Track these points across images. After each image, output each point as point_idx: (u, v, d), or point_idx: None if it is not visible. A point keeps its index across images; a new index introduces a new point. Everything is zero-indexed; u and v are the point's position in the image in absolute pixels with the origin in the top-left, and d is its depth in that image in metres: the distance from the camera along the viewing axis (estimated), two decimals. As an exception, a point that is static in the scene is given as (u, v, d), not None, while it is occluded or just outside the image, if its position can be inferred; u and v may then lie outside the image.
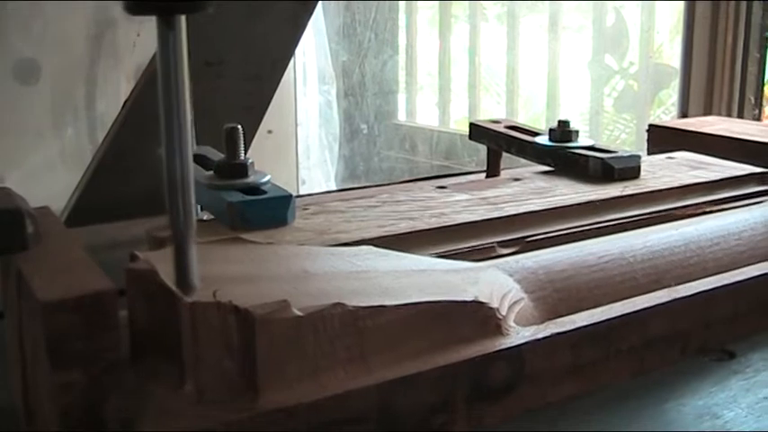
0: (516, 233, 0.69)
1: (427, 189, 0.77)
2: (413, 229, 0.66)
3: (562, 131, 0.85)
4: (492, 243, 0.67)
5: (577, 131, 0.86)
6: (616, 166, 0.80)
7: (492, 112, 2.21)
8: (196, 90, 0.94)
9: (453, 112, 2.39)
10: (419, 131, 2.29)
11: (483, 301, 0.50)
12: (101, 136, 1.77)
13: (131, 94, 0.97)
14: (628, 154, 0.82)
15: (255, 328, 0.42)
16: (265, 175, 0.70)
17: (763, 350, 0.59)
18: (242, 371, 0.43)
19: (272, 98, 1.01)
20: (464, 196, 0.75)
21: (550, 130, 0.87)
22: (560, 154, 0.84)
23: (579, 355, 0.52)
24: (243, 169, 0.69)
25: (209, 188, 0.67)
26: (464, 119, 2.38)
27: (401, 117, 2.45)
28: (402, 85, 2.43)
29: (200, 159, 0.74)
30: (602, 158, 0.80)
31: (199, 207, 0.77)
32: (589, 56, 2.08)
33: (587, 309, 0.55)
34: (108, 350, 0.38)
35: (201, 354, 0.44)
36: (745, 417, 0.51)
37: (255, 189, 0.68)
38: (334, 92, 2.30)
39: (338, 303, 0.45)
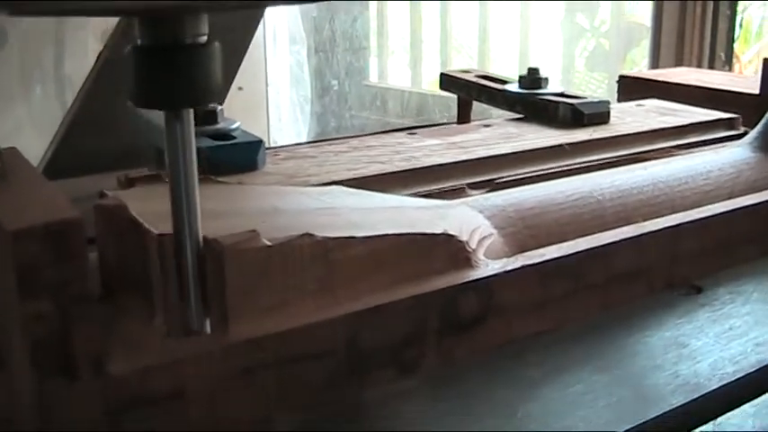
0: (485, 175, 0.69)
1: (398, 136, 0.78)
2: (382, 172, 0.66)
3: (532, 79, 0.86)
4: (462, 185, 0.67)
5: (547, 79, 0.86)
6: (586, 112, 0.80)
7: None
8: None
9: (425, 74, 2.38)
10: (390, 91, 2.28)
11: (452, 233, 0.50)
12: (69, 97, 1.75)
13: (104, 48, 0.95)
14: (597, 100, 0.83)
15: (224, 258, 0.42)
16: (235, 121, 0.70)
17: (730, 284, 0.60)
18: (208, 303, 0.43)
19: (246, 50, 1.01)
20: (434, 141, 0.75)
21: (520, 77, 0.87)
22: (530, 101, 0.85)
23: (547, 289, 0.53)
24: (212, 116, 0.68)
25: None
26: (436, 80, 2.38)
27: (373, 79, 2.45)
28: (373, 47, 2.42)
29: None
30: (571, 104, 0.81)
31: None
32: (561, 15, 2.07)
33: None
34: (76, 279, 0.38)
35: (169, 286, 0.44)
36: (713, 345, 0.51)
37: (225, 135, 0.67)
38: (304, 52, 2.29)
39: (307, 234, 0.45)
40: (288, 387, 0.44)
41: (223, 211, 0.50)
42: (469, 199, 0.60)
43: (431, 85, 2.33)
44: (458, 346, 0.49)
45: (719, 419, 0.44)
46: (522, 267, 0.51)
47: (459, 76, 0.95)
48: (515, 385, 0.47)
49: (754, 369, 0.49)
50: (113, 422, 0.40)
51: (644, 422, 0.44)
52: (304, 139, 2.19)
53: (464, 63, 2.25)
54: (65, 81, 1.72)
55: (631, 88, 1.05)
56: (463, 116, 0.96)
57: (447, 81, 0.96)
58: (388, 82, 2.38)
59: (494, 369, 0.48)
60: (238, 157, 0.65)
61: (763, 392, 0.47)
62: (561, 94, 0.85)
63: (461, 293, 0.49)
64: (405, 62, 2.38)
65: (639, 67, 2.02)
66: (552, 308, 0.53)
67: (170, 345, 0.42)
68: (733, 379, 0.48)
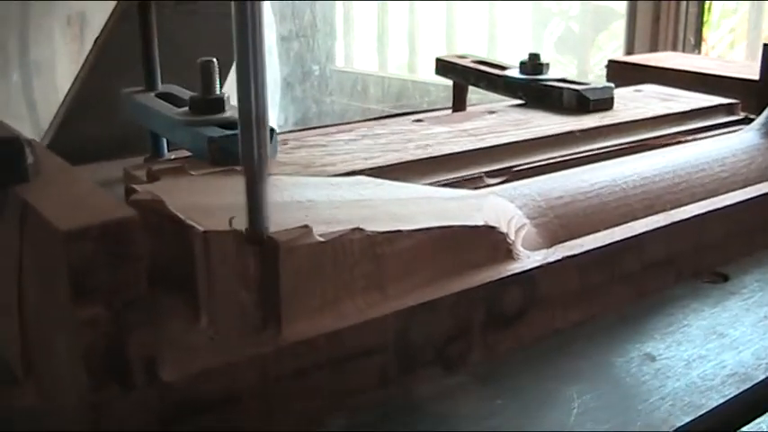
0: (501, 163, 0.68)
1: (404, 123, 0.76)
2: (400, 161, 0.65)
3: (533, 64, 0.85)
4: (479, 173, 0.66)
5: (548, 64, 0.85)
6: (591, 98, 0.80)
7: (432, 59, 2.18)
8: (169, 28, 0.91)
9: (392, 59, 2.36)
10: (371, 77, 2.26)
11: (493, 225, 0.49)
12: (36, 83, 1.71)
13: (100, 34, 0.92)
14: (602, 86, 0.82)
15: (279, 256, 0.40)
16: (242, 110, 0.68)
17: (754, 272, 0.60)
18: (260, 302, 0.42)
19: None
20: (444, 128, 0.74)
21: (521, 63, 0.86)
22: (533, 87, 0.84)
23: (586, 280, 0.52)
24: (219, 104, 0.66)
25: (185, 124, 0.65)
26: (404, 65, 2.36)
27: (339, 63, 2.42)
28: (341, 32, 2.39)
29: (166, 98, 0.72)
30: (577, 90, 0.80)
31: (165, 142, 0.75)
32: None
33: (586, 234, 0.55)
34: (132, 283, 0.36)
35: (216, 286, 0.42)
36: (751, 334, 0.51)
37: (234, 124, 0.65)
38: (273, 37, 2.25)
39: (357, 228, 0.43)
40: (341, 386, 0.42)
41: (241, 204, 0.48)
42: (497, 189, 0.59)
43: (400, 69, 2.31)
44: (502, 340, 0.48)
45: (775, 410, 0.44)
46: (564, 259, 0.50)
47: (455, 61, 0.94)
48: (564, 378, 0.46)
49: (797, 358, 0.49)
50: (167, 428, 0.38)
51: (702, 415, 0.43)
52: (275, 126, 2.14)
53: (432, 47, 2.24)
54: (30, 68, 1.68)
55: (621, 73, 1.04)
56: (459, 102, 0.95)
57: (443, 66, 0.95)
58: (362, 67, 2.35)
59: (540, 362, 0.48)
60: (251, 146, 0.64)
61: (811, 382, 0.47)
62: (564, 80, 0.84)
63: (506, 287, 0.48)
64: (372, 47, 2.36)
65: (605, 51, 2.02)
66: (591, 298, 0.52)
67: (220, 346, 0.41)
68: (781, 368, 0.47)
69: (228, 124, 0.65)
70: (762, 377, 0.47)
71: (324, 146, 0.68)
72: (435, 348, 0.46)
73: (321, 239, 0.42)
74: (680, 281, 0.58)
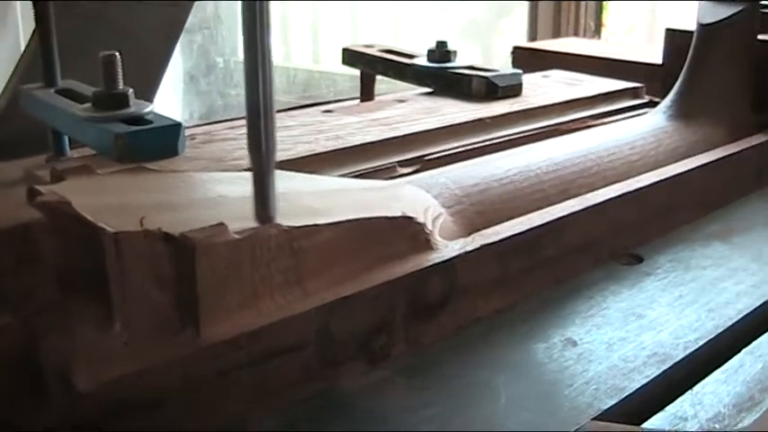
0: (414, 152, 0.68)
1: (314, 114, 0.75)
2: (311, 153, 0.64)
3: (441, 52, 0.85)
4: (392, 163, 0.66)
5: (456, 52, 0.85)
6: (500, 84, 0.80)
7: (336, 48, 2.17)
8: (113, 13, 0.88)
9: (296, 49, 2.34)
10: (275, 69, 2.22)
11: (411, 215, 0.49)
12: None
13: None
14: (510, 72, 0.82)
15: (195, 255, 0.39)
16: (147, 104, 0.66)
17: (667, 252, 0.60)
18: (176, 303, 0.40)
19: (185, 22, 0.96)
20: (354, 119, 0.73)
21: (429, 51, 0.86)
22: (441, 75, 0.84)
23: (505, 267, 0.52)
24: (124, 99, 0.64)
25: (89, 120, 0.62)
26: (309, 55, 2.34)
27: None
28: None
29: (66, 94, 0.69)
30: (485, 77, 0.80)
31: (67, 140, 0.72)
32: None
33: (503, 221, 0.55)
34: (40, 286, 0.34)
35: (129, 288, 0.40)
36: (668, 314, 0.52)
37: (140, 119, 0.63)
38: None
39: (274, 224, 0.42)
40: (265, 385, 0.41)
41: (170, 203, 0.46)
42: (412, 178, 0.58)
43: (303, 60, 2.29)
44: (424, 331, 0.48)
45: (696, 389, 0.44)
46: (482, 247, 0.50)
47: (363, 51, 0.93)
48: (489, 366, 0.46)
49: (712, 335, 0.49)
50: (84, 439, 0.36)
51: (625, 397, 0.43)
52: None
53: (335, 38, 2.22)
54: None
55: (526, 60, 1.05)
56: (367, 91, 0.94)
57: (350, 56, 0.94)
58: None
59: (465, 351, 0.47)
60: (160, 142, 0.62)
61: (727, 358, 0.47)
62: (472, 68, 0.84)
63: (427, 277, 0.47)
64: (276, 38, 2.33)
65: (508, 38, 2.04)
66: (511, 285, 0.52)
67: (136, 352, 0.39)
68: (697, 347, 0.48)
69: (134, 120, 0.63)
70: (681, 356, 0.47)
71: (233, 139, 0.67)
72: (358, 342, 0.45)
73: (237, 237, 0.40)
74: (597, 264, 0.58)
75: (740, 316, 0.52)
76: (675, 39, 0.84)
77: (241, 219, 0.43)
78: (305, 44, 2.31)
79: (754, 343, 0.49)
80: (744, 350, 0.48)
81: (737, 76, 0.77)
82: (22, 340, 0.34)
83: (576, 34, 1.59)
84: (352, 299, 0.44)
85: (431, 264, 0.47)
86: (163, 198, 0.46)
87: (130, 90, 0.64)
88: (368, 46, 0.95)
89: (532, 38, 1.61)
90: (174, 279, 0.40)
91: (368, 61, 0.92)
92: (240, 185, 0.50)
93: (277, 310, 0.42)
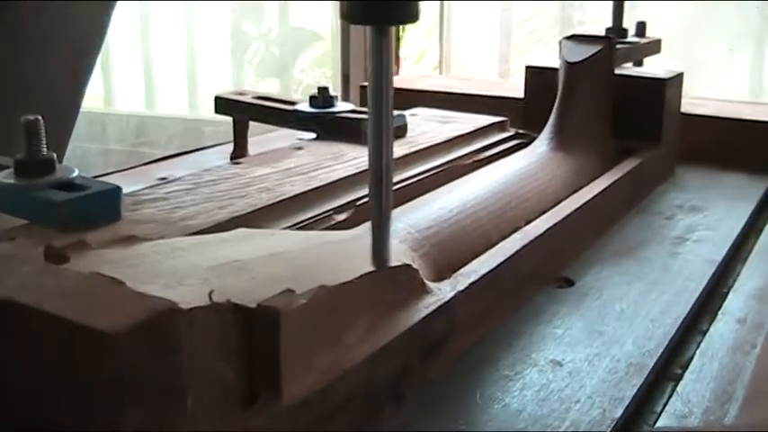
0: (342, 198, 0.71)
1: (227, 167, 0.76)
2: (254, 207, 0.65)
3: (324, 98, 0.88)
4: (328, 211, 0.68)
5: (337, 96, 0.89)
6: (391, 127, 0.84)
7: (130, 97, 2.12)
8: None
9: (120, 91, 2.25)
10: (109, 116, 2.14)
11: (408, 262, 0.52)
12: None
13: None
14: (396, 113, 0.87)
15: (280, 323, 0.40)
16: (73, 169, 0.64)
17: (589, 273, 0.67)
18: (245, 374, 0.41)
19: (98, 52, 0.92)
20: (268, 169, 0.75)
21: (311, 97, 0.89)
22: (327, 119, 0.87)
23: (483, 302, 0.56)
24: (50, 164, 0.63)
25: (18, 189, 0.61)
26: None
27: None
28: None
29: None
30: (376, 120, 0.84)
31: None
32: (228, 26, 2.09)
33: (458, 260, 0.59)
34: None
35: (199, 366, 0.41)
36: (621, 328, 0.58)
37: (71, 184, 0.62)
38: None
39: (322, 286, 0.44)
40: (331, 436, 0.43)
41: (186, 271, 0.47)
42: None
43: (125, 103, 2.21)
44: (430, 368, 0.51)
45: (678, 389, 0.51)
46: (470, 285, 0.54)
47: (237, 98, 0.94)
48: (492, 394, 0.50)
49: (667, 341, 0.56)
50: None
51: (628, 404, 0.49)
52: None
53: (128, 86, 2.16)
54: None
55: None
56: (240, 137, 0.96)
57: (223, 104, 0.95)
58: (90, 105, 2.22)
59: (468, 380, 0.51)
60: (101, 206, 0.61)
61: (687, 364, 0.54)
62: (354, 111, 0.88)
63: (434, 319, 0.51)
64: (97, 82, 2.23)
65: (307, 72, 2.10)
66: (485, 317, 0.57)
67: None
68: (660, 353, 0.55)
69: (65, 185, 0.62)
70: (651, 363, 0.54)
71: (165, 199, 0.67)
72: (390, 386, 0.48)
73: (303, 301, 0.42)
74: (538, 290, 0.64)
75: (678, 322, 0.59)
76: (535, 75, 0.93)
77: (278, 282, 0.44)
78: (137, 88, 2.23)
79: (702, 345, 0.57)
80: (697, 352, 0.56)
81: (601, 107, 0.86)
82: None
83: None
84: (387, 347, 0.47)
85: (437, 306, 0.51)
86: (187, 269, 0.47)
87: (54, 155, 0.63)
88: (239, 93, 0.97)
89: (345, 73, 1.66)
90: (241, 350, 0.41)
91: (244, 109, 0.94)
92: (241, 248, 0.51)
93: (333, 366, 0.44)
